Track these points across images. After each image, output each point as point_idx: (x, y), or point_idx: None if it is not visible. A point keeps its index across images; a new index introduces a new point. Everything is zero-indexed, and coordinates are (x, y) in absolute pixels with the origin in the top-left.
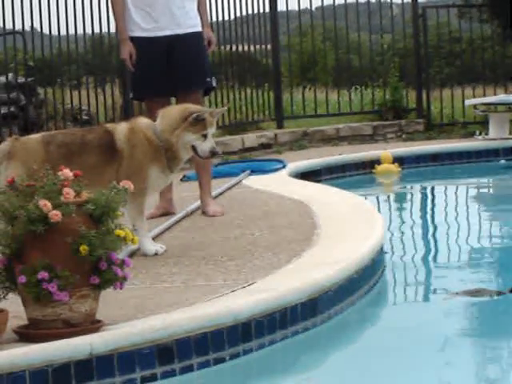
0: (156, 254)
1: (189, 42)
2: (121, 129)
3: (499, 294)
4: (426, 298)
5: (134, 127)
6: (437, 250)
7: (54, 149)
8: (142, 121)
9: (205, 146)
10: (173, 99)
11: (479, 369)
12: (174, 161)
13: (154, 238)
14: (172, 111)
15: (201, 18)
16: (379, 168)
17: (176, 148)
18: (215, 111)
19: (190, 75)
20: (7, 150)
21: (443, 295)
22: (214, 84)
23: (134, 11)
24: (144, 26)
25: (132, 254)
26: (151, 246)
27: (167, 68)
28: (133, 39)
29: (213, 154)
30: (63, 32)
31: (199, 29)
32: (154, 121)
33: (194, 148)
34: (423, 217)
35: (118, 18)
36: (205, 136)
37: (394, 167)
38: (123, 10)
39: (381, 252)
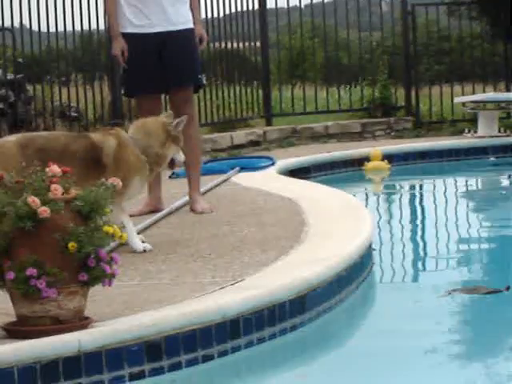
0: (144, 251)
1: (180, 39)
2: (110, 144)
3: (496, 291)
4: (415, 296)
5: (120, 143)
6: (426, 248)
7: (32, 153)
8: (124, 135)
9: (180, 157)
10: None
11: (474, 367)
12: (153, 171)
13: (138, 233)
14: (151, 126)
15: (192, 15)
16: (369, 165)
17: (163, 160)
18: (181, 121)
19: (182, 72)
20: None
21: (434, 292)
22: (204, 81)
23: (126, 7)
24: (136, 22)
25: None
26: (140, 244)
27: (159, 64)
28: (124, 35)
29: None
30: (52, 29)
31: (191, 26)
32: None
33: (171, 160)
34: (412, 214)
35: (110, 14)
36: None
37: (384, 164)
38: (115, 6)
39: (369, 249)
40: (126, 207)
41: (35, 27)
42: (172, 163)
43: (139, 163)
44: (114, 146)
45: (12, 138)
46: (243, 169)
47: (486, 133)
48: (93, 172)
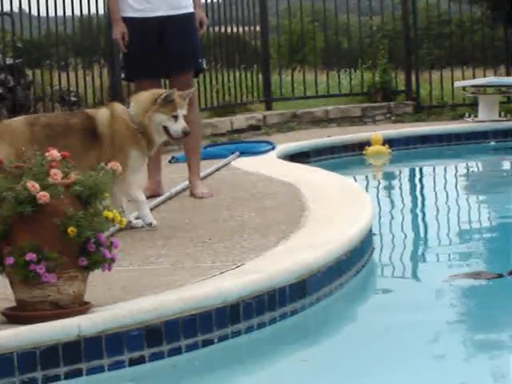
0: (151, 224)
1: (181, 23)
2: (102, 114)
3: (499, 276)
4: (415, 280)
5: (113, 113)
6: (426, 232)
7: (39, 129)
8: (119, 106)
9: (176, 127)
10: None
11: (476, 352)
12: (148, 144)
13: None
14: (143, 96)
15: None
16: (370, 150)
17: (149, 130)
18: (184, 93)
19: (182, 56)
20: None
21: (435, 277)
22: (205, 66)
23: None
24: (136, 6)
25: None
26: (150, 215)
27: (159, 49)
28: (125, 20)
29: (185, 134)
30: (51, 13)
31: (191, 10)
32: None
33: (166, 129)
34: (413, 199)
35: None
36: (175, 117)
37: (385, 149)
38: None
39: (369, 234)
40: (135, 181)
41: (34, 12)
42: (168, 132)
43: (134, 134)
44: (107, 116)
45: (18, 118)
46: (243, 153)
47: (487, 117)
48: (92, 142)
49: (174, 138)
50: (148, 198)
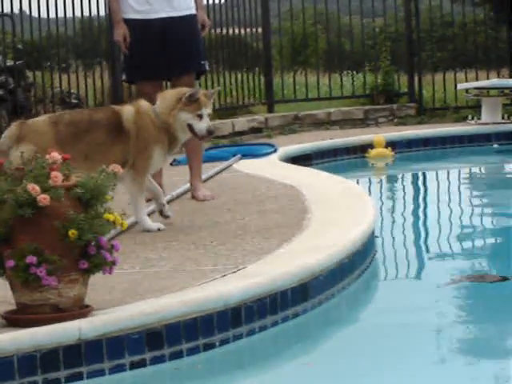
0: (159, 230)
1: (183, 25)
2: (128, 110)
3: (503, 279)
4: (418, 283)
5: (139, 109)
6: (429, 235)
7: (63, 128)
8: (145, 104)
9: (201, 125)
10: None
11: (479, 355)
12: (173, 142)
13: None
14: (169, 93)
15: (195, 1)
16: (372, 152)
17: (174, 128)
18: (209, 92)
19: (184, 58)
20: (16, 135)
21: (438, 281)
22: (207, 67)
23: None
24: (137, 8)
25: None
26: (152, 224)
27: (160, 51)
28: (126, 21)
29: (209, 132)
30: (52, 15)
31: (193, 11)
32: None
33: (190, 127)
34: (416, 202)
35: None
36: (200, 116)
37: (388, 151)
38: None
39: (372, 237)
40: (144, 189)
41: (35, 13)
42: (192, 131)
43: (158, 131)
44: (132, 113)
45: (41, 117)
46: (245, 156)
47: (490, 120)
48: (118, 138)
49: (199, 137)
50: (149, 200)
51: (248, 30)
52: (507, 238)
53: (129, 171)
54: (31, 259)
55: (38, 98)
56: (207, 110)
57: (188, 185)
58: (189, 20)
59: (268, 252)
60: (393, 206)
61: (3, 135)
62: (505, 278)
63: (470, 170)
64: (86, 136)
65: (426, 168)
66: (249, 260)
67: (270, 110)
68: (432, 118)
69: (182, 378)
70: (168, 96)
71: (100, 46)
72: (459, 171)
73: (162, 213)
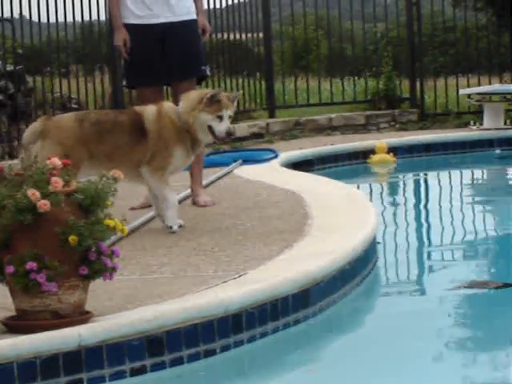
0: (170, 228)
1: (183, 30)
2: (149, 111)
3: (506, 285)
4: (420, 290)
5: (161, 110)
6: (431, 241)
7: (88, 126)
8: (168, 104)
9: (221, 127)
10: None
11: (481, 362)
12: (194, 142)
13: (139, 227)
14: (192, 94)
15: (195, 6)
16: (374, 158)
17: (194, 129)
18: (232, 94)
19: (185, 63)
20: (40, 130)
21: (440, 287)
22: (208, 73)
23: None
24: (138, 13)
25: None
26: (173, 218)
27: (161, 56)
28: (127, 26)
29: (229, 134)
30: (52, 19)
31: (194, 16)
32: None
33: (210, 128)
34: (418, 208)
35: (113, 4)
36: (220, 117)
37: (390, 157)
38: None
39: (374, 243)
40: (169, 180)
41: (35, 18)
42: (212, 132)
43: (179, 132)
44: (154, 113)
45: (68, 114)
46: (246, 161)
47: (492, 125)
48: (139, 139)
49: (218, 138)
50: (149, 206)
51: (249, 35)
52: (510, 244)
53: (144, 168)
54: (31, 265)
55: (38, 103)
56: (228, 112)
57: (189, 190)
58: (189, 25)
59: (269, 258)
60: (394, 212)
61: (27, 130)
62: (508, 285)
63: (472, 175)
64: (110, 136)
65: (428, 174)
66: (250, 266)
67: (271, 116)
68: (434, 124)
69: None
70: (191, 97)
71: (100, 50)
72: (461, 177)
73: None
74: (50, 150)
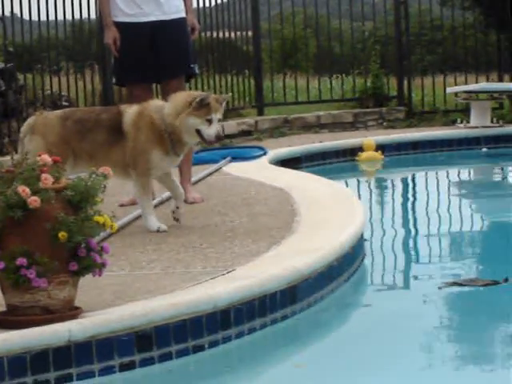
0: (158, 231)
1: (173, 28)
2: (130, 112)
3: (494, 283)
4: (407, 287)
5: (142, 111)
6: (419, 239)
7: (70, 124)
8: (154, 103)
9: (210, 131)
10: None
11: (468, 359)
12: (178, 144)
13: (128, 224)
14: (179, 96)
15: (184, 4)
16: (363, 155)
17: (179, 131)
18: (221, 97)
19: (174, 61)
20: (31, 124)
21: (427, 284)
22: (197, 71)
23: None
24: (128, 11)
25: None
26: (154, 223)
27: (151, 54)
28: (117, 24)
29: (218, 138)
30: (43, 18)
31: (183, 15)
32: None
33: (199, 132)
34: (405, 205)
35: (103, 3)
36: (209, 121)
37: (378, 155)
38: None
39: (361, 240)
40: (150, 185)
41: (26, 16)
42: (201, 136)
43: (157, 135)
44: (134, 114)
45: (57, 111)
46: (235, 159)
47: (479, 123)
48: (117, 139)
49: (207, 142)
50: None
51: (238, 33)
52: (497, 241)
53: (132, 172)
54: (21, 261)
55: (28, 101)
56: (217, 116)
57: (167, 193)
58: (178, 23)
59: (257, 254)
60: (382, 210)
61: (24, 124)
62: (496, 282)
63: (459, 173)
64: (90, 134)
65: (415, 171)
66: (238, 262)
67: (260, 113)
68: (421, 122)
69: (171, 380)
70: (178, 99)
71: (91, 48)
72: (448, 175)
73: (173, 214)
74: (35, 145)
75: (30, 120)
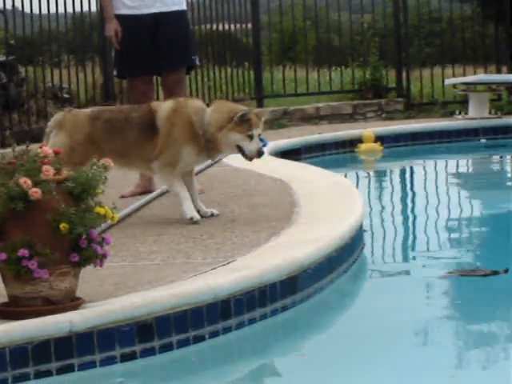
0: (191, 219)
1: (174, 20)
2: (164, 107)
3: (494, 273)
4: (406, 277)
5: (178, 108)
6: (418, 229)
7: (100, 124)
8: (193, 104)
9: (251, 147)
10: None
11: (467, 349)
12: (213, 151)
13: (129, 215)
14: (223, 108)
15: None
16: (362, 147)
17: (219, 144)
18: (261, 112)
19: (175, 53)
20: (59, 120)
21: (426, 274)
22: (197, 62)
23: None
24: (129, 3)
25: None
26: (190, 209)
27: (152, 46)
28: (118, 17)
29: (259, 154)
30: (44, 10)
31: (184, 7)
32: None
33: (240, 149)
34: (404, 196)
35: None
36: (250, 137)
37: (377, 146)
38: None
39: (360, 230)
40: (178, 176)
41: (27, 9)
42: (242, 152)
43: (191, 133)
44: (168, 110)
45: (86, 110)
46: None
47: (477, 114)
48: (149, 136)
49: (248, 158)
50: (140, 194)
51: (238, 25)
52: (497, 231)
53: (155, 162)
54: (23, 252)
55: (29, 93)
56: (258, 131)
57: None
58: (179, 15)
59: (257, 245)
60: (381, 200)
61: (52, 118)
62: (496, 272)
63: (458, 164)
64: (119, 134)
65: (414, 162)
66: (238, 253)
67: (260, 105)
68: (420, 113)
69: (172, 370)
70: (222, 110)
71: (92, 41)
72: (447, 166)
73: (199, 213)
74: (59, 140)
75: (57, 116)
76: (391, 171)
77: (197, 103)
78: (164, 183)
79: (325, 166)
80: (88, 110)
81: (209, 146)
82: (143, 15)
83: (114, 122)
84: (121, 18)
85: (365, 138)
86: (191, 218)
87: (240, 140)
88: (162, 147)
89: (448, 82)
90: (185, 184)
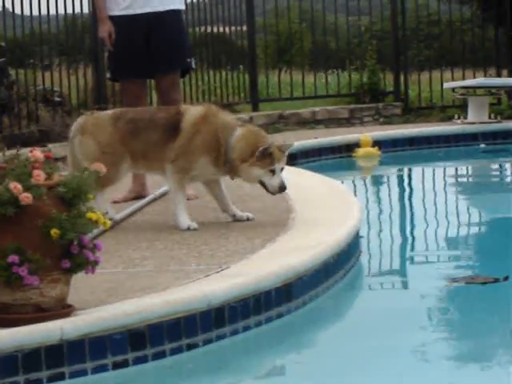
0: (188, 229)
1: (169, 20)
2: (193, 112)
3: (495, 281)
4: (403, 284)
5: (208, 116)
6: (415, 236)
7: (122, 124)
8: (224, 118)
9: (274, 182)
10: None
11: (467, 358)
12: (233, 174)
13: (121, 221)
14: (249, 138)
15: None
16: (360, 152)
17: (241, 175)
18: (284, 145)
19: (169, 57)
20: (81, 124)
21: (423, 282)
22: (193, 65)
23: None
24: (123, 4)
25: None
26: (185, 220)
27: (146, 49)
28: (111, 18)
29: (282, 189)
30: (35, 12)
31: (179, 6)
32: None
33: (262, 184)
34: (402, 202)
35: None
36: (272, 171)
37: (375, 151)
38: None
39: (357, 237)
40: (185, 185)
41: (18, 11)
42: (264, 187)
43: (214, 145)
44: (197, 115)
45: (108, 112)
46: None
47: (476, 119)
48: (171, 137)
49: (271, 193)
50: (133, 199)
51: (233, 28)
52: (496, 238)
53: (168, 165)
54: (13, 258)
55: (20, 96)
56: (280, 165)
57: (154, 194)
58: (174, 15)
59: (252, 252)
60: (378, 207)
61: (74, 123)
62: (496, 280)
63: (457, 169)
64: (143, 134)
65: (412, 168)
66: (232, 260)
67: (255, 109)
68: (418, 117)
69: (164, 378)
70: (248, 141)
71: (83, 43)
72: (445, 171)
73: (235, 218)
74: (87, 147)
75: (80, 120)
76: (389, 176)
77: (228, 118)
78: (168, 186)
79: (321, 171)
80: (110, 111)
81: (228, 167)
82: (137, 15)
83: (137, 122)
84: (114, 19)
85: (363, 142)
86: (188, 228)
87: (262, 175)
88: (181, 151)
89: (447, 85)
90: (210, 190)
